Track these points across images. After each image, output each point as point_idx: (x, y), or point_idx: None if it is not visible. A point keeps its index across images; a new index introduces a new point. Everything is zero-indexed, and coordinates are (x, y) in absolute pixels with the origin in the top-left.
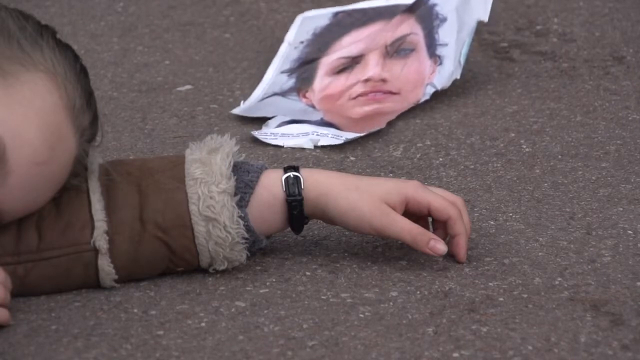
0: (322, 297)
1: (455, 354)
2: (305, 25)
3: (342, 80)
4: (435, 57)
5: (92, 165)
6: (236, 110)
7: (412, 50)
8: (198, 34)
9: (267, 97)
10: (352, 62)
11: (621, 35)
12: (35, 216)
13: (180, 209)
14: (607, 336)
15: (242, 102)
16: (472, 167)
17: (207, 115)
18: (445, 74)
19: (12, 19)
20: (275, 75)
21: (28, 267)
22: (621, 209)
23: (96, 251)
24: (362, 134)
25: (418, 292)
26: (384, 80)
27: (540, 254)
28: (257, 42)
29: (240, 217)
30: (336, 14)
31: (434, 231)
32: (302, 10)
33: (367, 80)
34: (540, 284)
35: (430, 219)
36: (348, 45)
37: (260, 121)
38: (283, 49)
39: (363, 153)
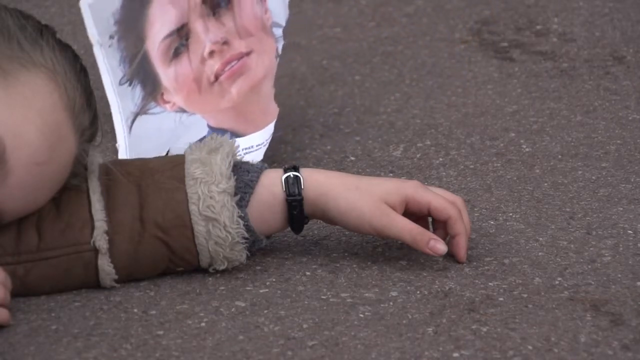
0: (322, 297)
1: (455, 354)
2: (97, 14)
3: (186, 64)
4: None
5: (92, 165)
6: (120, 153)
7: None
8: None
9: (132, 123)
10: (179, 36)
11: (621, 35)
12: (35, 216)
13: (180, 209)
14: (607, 336)
15: (117, 145)
16: (472, 167)
17: None
18: (278, 3)
19: (12, 18)
20: (115, 91)
21: (28, 267)
22: (621, 208)
23: (96, 251)
24: (270, 132)
25: (418, 292)
26: (226, 43)
27: (540, 253)
28: None
29: (240, 217)
30: None
31: (434, 231)
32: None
33: (211, 53)
34: (540, 284)
35: (430, 219)
36: (159, 18)
37: None
38: (98, 53)
39: (363, 153)
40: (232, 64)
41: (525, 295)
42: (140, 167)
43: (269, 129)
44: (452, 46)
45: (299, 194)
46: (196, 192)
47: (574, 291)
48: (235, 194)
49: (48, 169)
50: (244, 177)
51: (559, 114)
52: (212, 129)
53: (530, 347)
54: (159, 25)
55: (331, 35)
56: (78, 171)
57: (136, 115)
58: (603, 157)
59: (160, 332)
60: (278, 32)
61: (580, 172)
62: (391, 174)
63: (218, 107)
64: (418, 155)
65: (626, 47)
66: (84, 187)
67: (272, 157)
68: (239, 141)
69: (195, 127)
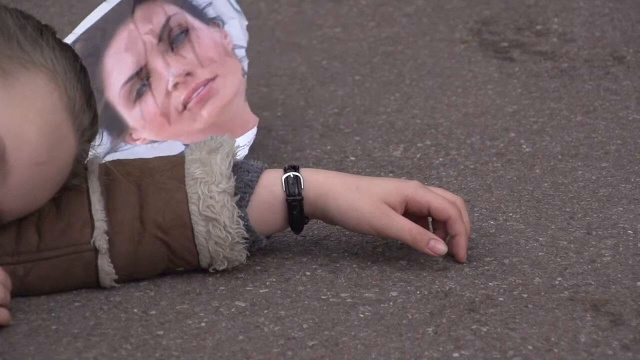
0: (322, 297)
1: (455, 354)
2: None
3: (151, 102)
4: (212, 22)
5: (92, 165)
6: None
7: (186, 30)
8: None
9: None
10: (139, 79)
11: (621, 35)
12: (35, 216)
13: (180, 209)
14: (607, 336)
15: None
16: (472, 167)
17: None
18: (236, 28)
19: (12, 18)
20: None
21: (28, 267)
22: (621, 208)
23: (96, 251)
24: (252, 135)
25: (418, 292)
26: (190, 74)
27: (540, 253)
28: (257, 42)
29: (240, 217)
30: (74, 44)
31: (434, 231)
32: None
33: (175, 85)
34: (540, 284)
35: (430, 219)
36: (116, 66)
37: None
38: None
39: (363, 153)
40: (199, 90)
41: (525, 295)
42: (140, 167)
43: (251, 133)
44: (452, 46)
45: (299, 194)
46: (196, 192)
47: (574, 291)
48: (235, 194)
49: (48, 169)
50: (244, 177)
51: (559, 114)
52: (187, 146)
53: (530, 347)
54: (117, 73)
55: (331, 35)
56: (78, 171)
57: (106, 154)
58: (603, 157)
59: (160, 332)
60: (241, 52)
61: (580, 172)
62: (391, 174)
63: (191, 130)
64: (418, 155)
65: (626, 47)
66: (84, 187)
67: (272, 157)
68: None
69: (169, 148)
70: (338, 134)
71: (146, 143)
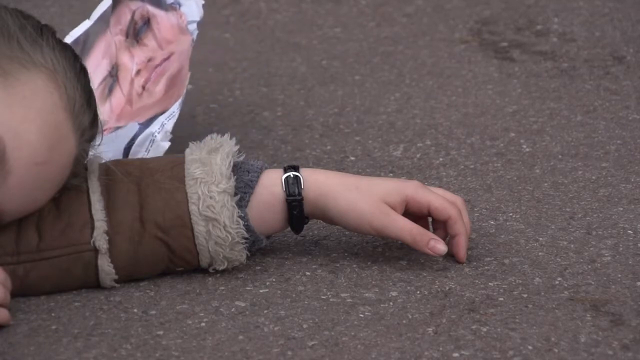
0: (322, 297)
1: (455, 354)
2: None
3: (119, 94)
4: (170, 7)
5: (92, 165)
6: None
7: (147, 20)
8: (198, 33)
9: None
10: (110, 76)
11: (621, 35)
12: (35, 216)
13: (180, 209)
14: (607, 336)
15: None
16: (472, 167)
17: (207, 115)
18: (192, 7)
19: (12, 18)
20: None
21: (28, 267)
22: (621, 208)
23: (96, 251)
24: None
25: (418, 292)
26: (151, 60)
27: (540, 253)
28: (257, 42)
29: (240, 217)
30: None
31: (434, 231)
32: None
33: (138, 72)
34: (540, 284)
35: (430, 219)
36: (95, 71)
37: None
38: None
39: (363, 153)
40: (157, 69)
41: (525, 295)
42: (140, 167)
43: (182, 94)
44: (452, 46)
45: (299, 194)
46: (196, 192)
47: (574, 291)
48: (235, 194)
49: (48, 169)
50: (244, 177)
51: (559, 114)
52: (141, 125)
53: (530, 347)
54: (94, 79)
55: (331, 35)
56: (78, 171)
57: None
58: (603, 157)
59: (160, 332)
60: (193, 26)
61: (580, 172)
62: (391, 174)
63: (145, 107)
64: (418, 155)
65: (626, 47)
66: (84, 187)
67: (272, 157)
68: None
69: (126, 131)
70: (338, 134)
71: (111, 131)
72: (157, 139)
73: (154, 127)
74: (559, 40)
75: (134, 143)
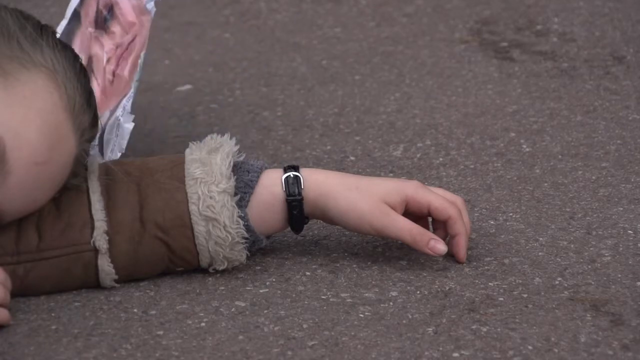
0: (322, 297)
1: (455, 354)
2: None
3: (95, 86)
4: None
5: (92, 165)
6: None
7: (111, 7)
8: (198, 34)
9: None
10: (88, 65)
11: (621, 35)
12: (35, 216)
13: (180, 209)
14: (607, 336)
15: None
16: (472, 167)
17: (207, 115)
18: None
19: (12, 18)
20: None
21: (28, 267)
22: (621, 208)
23: (96, 251)
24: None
25: (418, 292)
26: (119, 46)
27: (540, 253)
28: (257, 42)
29: (240, 217)
30: None
31: (434, 231)
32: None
33: (108, 60)
34: (540, 284)
35: (430, 219)
36: None
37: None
38: None
39: (363, 153)
40: (123, 55)
41: (525, 295)
42: (140, 167)
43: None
44: (452, 46)
45: (299, 194)
46: (196, 192)
47: (574, 291)
48: (235, 194)
49: (48, 169)
50: (244, 177)
51: (559, 114)
52: (111, 111)
53: (530, 347)
54: None
55: (331, 35)
56: (78, 171)
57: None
58: (603, 157)
59: (160, 332)
60: (150, 5)
61: (580, 172)
62: (391, 174)
63: (116, 93)
64: (418, 155)
65: (626, 47)
66: (84, 187)
67: (272, 157)
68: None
69: (101, 121)
70: (338, 134)
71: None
72: (121, 122)
73: (119, 110)
74: (559, 40)
75: (104, 131)
